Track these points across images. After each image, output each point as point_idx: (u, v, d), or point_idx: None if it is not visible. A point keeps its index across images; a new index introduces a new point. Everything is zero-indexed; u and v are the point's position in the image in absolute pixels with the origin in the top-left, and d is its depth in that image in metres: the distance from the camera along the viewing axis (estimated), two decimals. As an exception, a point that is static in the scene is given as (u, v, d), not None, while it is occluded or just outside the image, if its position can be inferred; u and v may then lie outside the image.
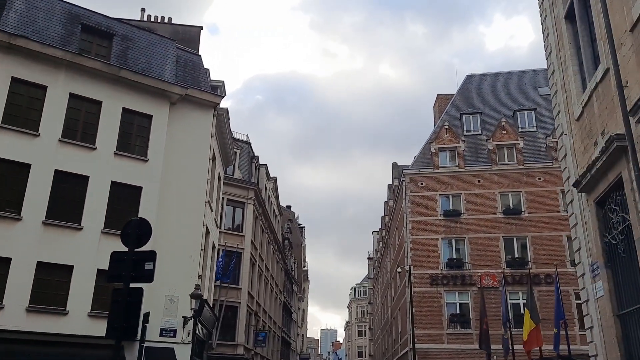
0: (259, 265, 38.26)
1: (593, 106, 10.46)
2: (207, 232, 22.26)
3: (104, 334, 17.01)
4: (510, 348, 22.10)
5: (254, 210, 36.27)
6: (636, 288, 9.36)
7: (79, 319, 16.85)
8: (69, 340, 16.51)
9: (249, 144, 38.73)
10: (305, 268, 79.99)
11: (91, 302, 17.21)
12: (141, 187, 18.99)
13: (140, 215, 18.66)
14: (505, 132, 33.78)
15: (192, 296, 18.50)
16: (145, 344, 17.74)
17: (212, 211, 22.97)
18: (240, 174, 36.53)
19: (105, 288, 17.67)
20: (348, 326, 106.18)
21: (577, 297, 30.09)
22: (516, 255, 31.48)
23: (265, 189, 42.13)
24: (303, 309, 78.59)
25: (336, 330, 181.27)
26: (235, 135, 37.99)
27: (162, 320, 18.87)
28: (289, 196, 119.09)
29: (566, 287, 27.74)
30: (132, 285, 7.91)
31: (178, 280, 19.32)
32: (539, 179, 32.46)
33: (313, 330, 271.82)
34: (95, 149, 18.51)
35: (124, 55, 20.20)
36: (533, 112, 35.82)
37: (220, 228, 33.43)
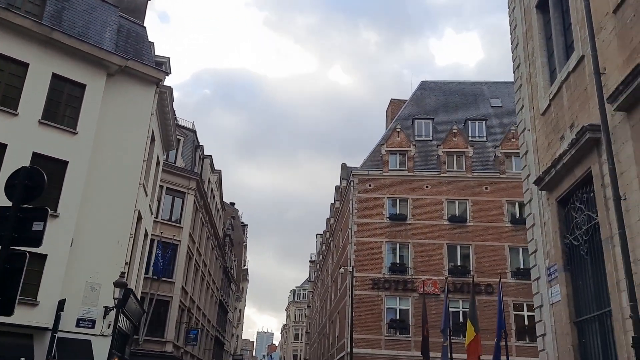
0: (195, 260, 36.48)
1: (562, 98, 9.79)
2: (140, 218, 20.59)
3: (6, 320, 15.20)
4: (450, 356, 21.54)
5: (194, 202, 34.54)
6: (597, 293, 8.69)
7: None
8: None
9: (194, 132, 36.97)
10: (245, 267, 78.15)
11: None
12: (67, 162, 17.19)
13: (64, 193, 16.98)
14: (456, 139, 33.60)
15: (116, 284, 16.83)
16: (59, 334, 16.02)
17: (147, 195, 21.31)
18: (183, 162, 34.74)
19: (16, 270, 15.85)
20: (285, 329, 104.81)
21: (516, 308, 30.18)
22: (459, 263, 31.25)
23: (209, 181, 40.42)
24: (240, 309, 76.67)
25: (272, 333, 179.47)
26: (181, 123, 36.21)
27: (80, 309, 17.11)
28: (232, 194, 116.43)
29: (505, 297, 27.56)
30: (14, 248, 6.42)
31: (102, 267, 17.62)
32: (486, 188, 32.41)
33: (249, 332, 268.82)
34: (16, 114, 16.60)
35: (58, 17, 18.35)
36: (484, 122, 35.88)
37: (156, 217, 31.58)
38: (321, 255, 60.82)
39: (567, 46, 10.00)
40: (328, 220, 55.09)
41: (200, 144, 37.46)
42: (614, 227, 7.84)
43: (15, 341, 15.39)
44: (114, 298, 16.87)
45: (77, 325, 16.96)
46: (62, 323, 16.18)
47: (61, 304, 15.97)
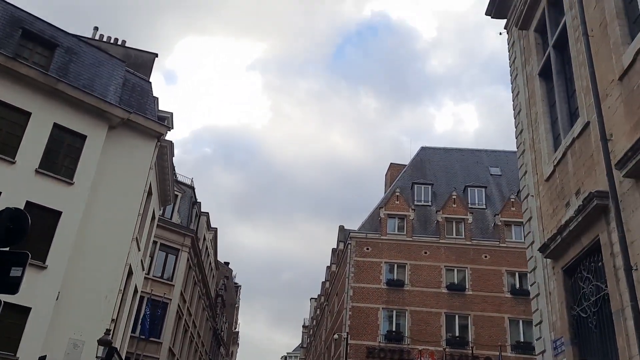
0: (185, 320, 35.39)
1: (567, 164, 9.63)
2: (130, 273, 20.01)
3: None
4: None
5: (188, 259, 33.89)
6: (608, 370, 8.17)
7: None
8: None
9: (193, 188, 36.82)
10: (236, 330, 75.99)
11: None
12: (61, 212, 16.86)
13: (55, 244, 16.56)
14: (455, 205, 33.44)
15: (100, 342, 16.08)
16: (35, 395, 15.13)
17: (139, 250, 20.82)
18: (179, 218, 34.37)
19: (-3, 323, 15.16)
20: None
21: (516, 383, 28.96)
22: (457, 334, 30.29)
23: (204, 239, 39.89)
24: (228, 375, 73.88)
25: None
26: (179, 179, 36.14)
27: (60, 367, 16.26)
28: (226, 253, 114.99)
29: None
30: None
31: (87, 323, 16.88)
32: (485, 257, 31.91)
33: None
34: (14, 162, 16.43)
35: (65, 69, 18.54)
36: (483, 189, 35.86)
37: (148, 274, 30.88)
38: (315, 320, 59.25)
39: (572, 113, 9.94)
40: (323, 283, 54.06)
41: (198, 200, 37.20)
42: (625, 298, 7.46)
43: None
44: (96, 357, 16.08)
45: (56, 384, 16.06)
46: (40, 382, 15.33)
47: (41, 361, 15.18)
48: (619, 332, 7.59)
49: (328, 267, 50.41)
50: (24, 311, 15.46)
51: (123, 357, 21.52)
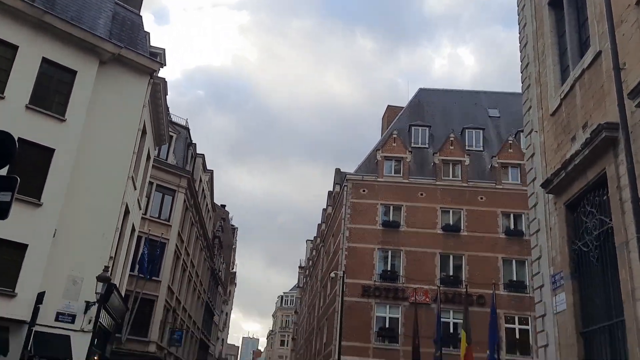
0: (183, 260, 35.76)
1: (575, 97, 9.34)
2: (127, 212, 19.92)
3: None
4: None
5: (185, 200, 33.88)
6: (607, 302, 8.19)
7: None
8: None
9: (187, 129, 36.35)
10: (234, 271, 77.29)
11: (-26, 274, 14.58)
12: (54, 150, 16.56)
13: (49, 181, 16.36)
14: (452, 147, 33.22)
15: (99, 279, 16.17)
16: (37, 328, 15.32)
17: (135, 189, 20.67)
18: (175, 159, 34.10)
19: None
20: (271, 335, 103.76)
21: (507, 320, 29.64)
22: (451, 273, 30.76)
23: (200, 180, 39.77)
24: (226, 313, 75.73)
25: (258, 339, 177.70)
26: (174, 119, 35.62)
27: (60, 303, 16.40)
28: (222, 197, 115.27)
29: (497, 310, 27.08)
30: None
31: (85, 260, 16.93)
32: (481, 198, 32.00)
33: (234, 337, 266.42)
34: (3, 97, 15.97)
35: (51, 0, 17.75)
36: (481, 131, 35.56)
37: (145, 214, 30.89)
38: (311, 261, 60.17)
39: (582, 43, 9.56)
40: (319, 226, 54.51)
41: (193, 142, 36.82)
42: (630, 231, 7.37)
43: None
44: (96, 293, 16.22)
45: (57, 319, 16.24)
46: (41, 317, 15.49)
47: (40, 297, 15.28)
48: (622, 265, 7.55)
49: (324, 210, 50.68)
50: (21, 248, 15.44)
51: (122, 294, 21.77)
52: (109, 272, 18.01)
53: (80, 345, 16.30)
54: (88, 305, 16.61)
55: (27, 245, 15.49)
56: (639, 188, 7.17)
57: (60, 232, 16.45)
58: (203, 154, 38.64)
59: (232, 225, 75.26)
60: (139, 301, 29.23)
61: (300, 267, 78.11)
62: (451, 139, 33.37)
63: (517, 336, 29.28)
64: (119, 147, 18.52)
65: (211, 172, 44.35)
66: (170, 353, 35.19)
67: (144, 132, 20.99)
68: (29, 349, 14.81)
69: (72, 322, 16.48)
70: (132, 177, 19.40)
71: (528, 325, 29.09)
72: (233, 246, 72.86)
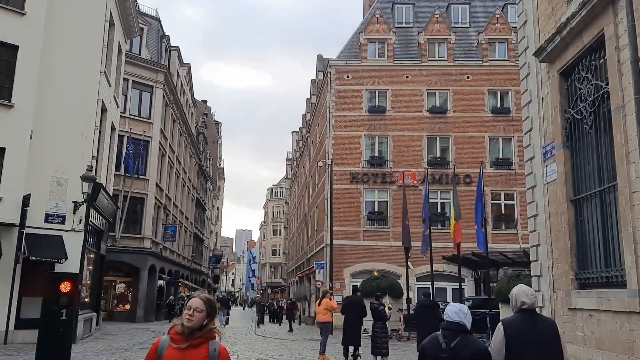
0: (169, 157, 35.56)
1: (573, -47, 8.59)
2: (104, 110, 19.26)
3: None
4: (429, 245, 21.65)
5: (163, 96, 32.96)
6: (599, 169, 8.11)
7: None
8: None
9: (159, 20, 34.48)
10: (221, 166, 77.66)
11: (-47, 180, 14.21)
12: (17, 46, 15.52)
13: (18, 81, 15.53)
14: (438, 25, 32.01)
15: (84, 178, 15.90)
16: (28, 231, 15.29)
17: (110, 86, 19.82)
18: (149, 54, 32.68)
19: (-28, 164, 14.74)
20: (263, 226, 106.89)
21: (493, 197, 30.35)
22: (438, 155, 30.95)
23: (178, 75, 38.48)
24: (218, 207, 77.20)
25: (251, 230, 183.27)
26: (142, 9, 33.63)
27: (47, 204, 16.27)
28: (201, 92, 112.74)
29: (484, 187, 27.62)
30: None
31: (67, 161, 16.58)
32: (468, 77, 31.42)
33: (228, 230, 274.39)
34: (-48, -9, 14.66)
35: None
36: (467, 6, 34.15)
37: (124, 113, 30.17)
38: (297, 152, 60.38)
39: None
40: (304, 116, 54.00)
41: (166, 34, 35.07)
42: (627, 94, 7.08)
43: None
44: (82, 192, 16.02)
45: (46, 221, 16.20)
46: (30, 219, 15.41)
47: (26, 199, 15.09)
48: (617, 129, 7.34)
49: (308, 99, 49.91)
50: (-1, 151, 14.97)
51: (111, 194, 21.70)
52: (94, 172, 17.78)
53: (73, 244, 16.40)
54: (76, 205, 16.51)
55: (4, 149, 15.00)
56: (639, 47, 6.77)
57: (37, 133, 15.89)
58: (178, 47, 37.02)
59: (216, 121, 74.45)
60: (129, 200, 29.42)
61: (287, 159, 78.61)
62: (436, 16, 32.04)
63: (503, 211, 30.16)
64: (86, 40, 17.46)
65: (188, 65, 42.83)
66: (166, 248, 36.12)
67: (111, 23, 19.74)
68: (22, 250, 14.86)
69: (63, 222, 16.47)
70: (105, 72, 18.53)
71: (513, 200, 29.86)
72: (218, 141, 72.57)
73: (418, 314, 11.98)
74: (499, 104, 31.23)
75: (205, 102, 70.32)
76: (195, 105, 51.44)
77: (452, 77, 31.44)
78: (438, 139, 30.99)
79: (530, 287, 5.40)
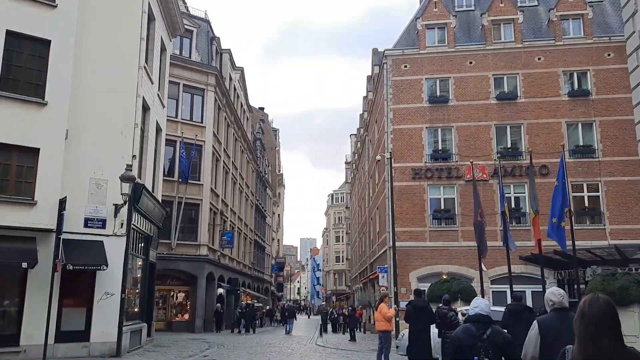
0: (224, 162, 34.61)
1: None
2: (146, 108, 18.20)
3: (2, 222, 13.40)
4: (507, 242, 19.16)
5: (215, 99, 32.05)
6: None
7: (-31, 204, 13.06)
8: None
9: (208, 22, 33.69)
10: (280, 172, 76.88)
11: (-14, 184, 13.36)
12: (49, 41, 14.63)
13: (51, 77, 14.65)
14: (502, 5, 29.34)
15: (123, 179, 14.80)
16: (66, 236, 14.25)
17: (152, 83, 18.77)
18: (199, 56, 31.88)
19: (4, 166, 13.89)
20: (325, 232, 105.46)
21: (575, 189, 27.20)
22: (509, 145, 28.23)
23: (230, 78, 37.62)
24: (279, 214, 76.40)
25: (315, 239, 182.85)
26: (191, 12, 32.98)
27: (86, 208, 15.24)
28: (258, 102, 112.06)
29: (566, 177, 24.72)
30: None
31: (105, 161, 15.55)
32: (539, 59, 28.55)
33: (291, 239, 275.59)
34: (-20, -15, 13.92)
35: None
36: (535, -17, 31.27)
37: (176, 117, 29.50)
38: (356, 155, 58.51)
39: None
40: (361, 116, 52.10)
41: (216, 35, 34.22)
42: None
43: (16, 246, 13.72)
44: (122, 194, 14.91)
45: (86, 225, 15.18)
46: (68, 224, 14.37)
47: (62, 203, 14.05)
48: None
49: (364, 97, 47.99)
50: (33, 152, 14.08)
51: (159, 198, 20.65)
52: (136, 173, 16.69)
53: (115, 250, 15.30)
54: (117, 208, 15.40)
55: (38, 150, 14.08)
56: None
57: (73, 132, 14.94)
58: (229, 49, 36.12)
59: (273, 128, 73.86)
60: (184, 206, 28.56)
61: (346, 162, 76.87)
62: (500, -5, 29.40)
63: (586, 204, 27.03)
64: (123, 33, 16.47)
65: (241, 69, 41.95)
66: (225, 255, 35.13)
67: (152, 17, 18.73)
68: (59, 257, 13.81)
69: (103, 227, 15.40)
70: (145, 67, 17.44)
71: (598, 192, 26.71)
72: (277, 148, 71.83)
73: (508, 321, 9.81)
74: (576, 86, 28.17)
75: (262, 109, 69.89)
76: (251, 111, 50.68)
77: (521, 59, 28.68)
78: (508, 127, 28.28)
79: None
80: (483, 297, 21.01)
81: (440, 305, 11.99)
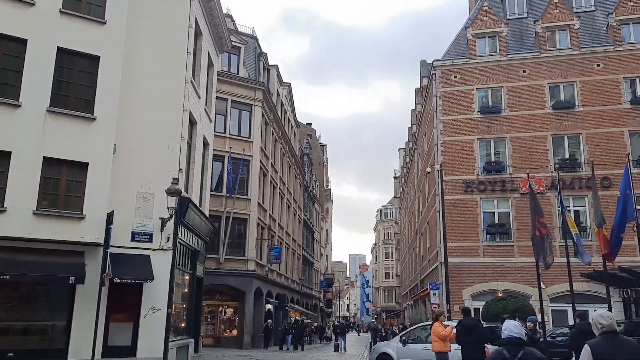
0: (272, 177, 34.57)
1: None
2: (193, 122, 18.24)
3: (52, 236, 13.53)
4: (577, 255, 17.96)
5: (263, 115, 32.11)
6: None
7: (21, 218, 13.25)
8: (6, 245, 13.04)
9: (255, 38, 33.94)
10: (328, 187, 76.59)
11: (37, 198, 13.54)
12: (99, 57, 14.83)
13: (99, 93, 14.80)
14: (557, 11, 28.22)
15: (169, 192, 14.71)
16: (113, 250, 14.25)
17: (199, 97, 18.83)
18: (247, 72, 32.11)
19: (55, 181, 14.06)
20: (375, 248, 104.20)
21: (638, 202, 25.51)
22: (567, 156, 26.88)
23: (278, 94, 37.73)
24: (327, 230, 75.97)
25: (364, 255, 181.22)
26: (239, 29, 33.34)
27: (133, 222, 15.25)
28: (304, 118, 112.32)
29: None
30: None
31: (152, 175, 15.55)
32: (598, 65, 27.20)
33: (340, 255, 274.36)
34: (33, 4, 14.26)
35: None
36: (591, -12, 29.97)
37: (224, 133, 29.72)
38: (405, 169, 57.58)
39: None
40: (410, 129, 51.29)
41: (264, 51, 34.43)
42: None
43: (65, 260, 13.82)
44: (168, 207, 14.82)
45: (133, 239, 15.16)
46: (116, 238, 14.38)
47: (110, 217, 14.08)
48: None
49: (413, 110, 47.24)
50: (82, 167, 14.20)
51: (206, 213, 20.61)
52: (183, 187, 16.67)
53: (161, 264, 15.19)
54: (163, 221, 15.34)
55: (87, 164, 14.20)
56: None
57: (121, 147, 15.04)
58: (276, 65, 36.27)
59: (321, 143, 73.85)
60: (232, 220, 28.56)
61: (395, 177, 75.88)
62: (555, 1, 28.29)
63: (654, 218, 25.27)
64: (170, 47, 16.57)
65: (289, 85, 42.05)
66: (273, 270, 34.92)
67: (198, 32, 18.86)
68: (107, 271, 13.81)
69: (150, 240, 15.35)
70: (192, 82, 17.49)
71: (667, 204, 24.97)
72: (324, 163, 71.70)
73: (576, 342, 8.96)
74: (638, 94, 26.64)
75: (309, 124, 70.09)
76: (298, 126, 50.75)
77: (578, 67, 27.41)
78: (566, 138, 26.96)
79: None
80: (543, 316, 19.88)
81: (498, 324, 11.15)
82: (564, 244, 18.48)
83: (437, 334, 11.77)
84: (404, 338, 16.42)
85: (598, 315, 4.86)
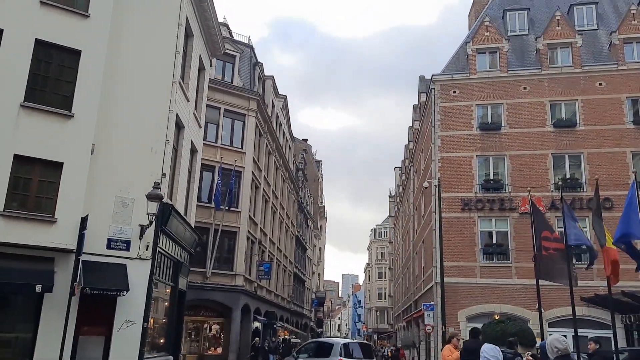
0: (264, 190, 33.61)
1: None
2: (181, 126, 17.36)
3: (19, 240, 12.50)
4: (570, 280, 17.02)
5: (257, 125, 31.28)
6: None
7: (-13, 219, 12.24)
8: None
9: (251, 47, 33.25)
10: (323, 204, 75.61)
11: (4, 198, 12.54)
12: (80, 51, 13.97)
13: (79, 89, 13.91)
14: (559, 28, 27.68)
15: (150, 197, 13.77)
16: (87, 258, 13.27)
17: (187, 100, 17.97)
18: (241, 81, 31.36)
19: (26, 180, 13.08)
20: (368, 268, 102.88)
21: (642, 225, 24.74)
22: (567, 176, 26.10)
23: (273, 105, 36.97)
24: (320, 247, 74.77)
25: (357, 275, 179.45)
26: (235, 37, 32.69)
27: (110, 228, 14.25)
28: (299, 134, 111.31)
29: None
30: None
31: (133, 178, 14.60)
32: (600, 84, 26.58)
33: (332, 275, 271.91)
34: (11, -7, 13.45)
35: None
36: (593, 6, 29.52)
37: (216, 142, 28.86)
38: (400, 187, 56.75)
39: None
40: (406, 147, 50.58)
41: (259, 61, 33.73)
42: None
43: (32, 266, 12.78)
44: (148, 213, 13.85)
45: (109, 247, 14.14)
46: (90, 244, 13.38)
47: (84, 221, 13.09)
48: None
49: (410, 127, 46.57)
50: (55, 167, 13.22)
51: (191, 223, 19.61)
52: (167, 193, 15.73)
53: (138, 275, 14.18)
54: (143, 228, 14.35)
55: (62, 164, 13.24)
56: None
57: (100, 147, 14.11)
58: (272, 76, 35.56)
59: (316, 160, 73.07)
60: (220, 233, 27.53)
61: (390, 195, 75.01)
62: (557, 17, 27.78)
63: (657, 242, 24.43)
64: (157, 45, 15.75)
65: (284, 97, 41.36)
66: (262, 287, 33.79)
67: (189, 33, 18.09)
68: (77, 280, 12.78)
69: (127, 249, 14.33)
70: (180, 82, 16.65)
71: (671, 228, 24.13)
72: (319, 180, 70.83)
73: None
74: (642, 113, 26.02)
75: (305, 140, 69.36)
76: (293, 140, 49.96)
77: (580, 85, 26.79)
78: (567, 157, 26.22)
79: None
80: (542, 340, 18.85)
81: (504, 348, 10.18)
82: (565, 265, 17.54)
83: (444, 358, 10.68)
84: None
85: (554, 339, 5.13)
